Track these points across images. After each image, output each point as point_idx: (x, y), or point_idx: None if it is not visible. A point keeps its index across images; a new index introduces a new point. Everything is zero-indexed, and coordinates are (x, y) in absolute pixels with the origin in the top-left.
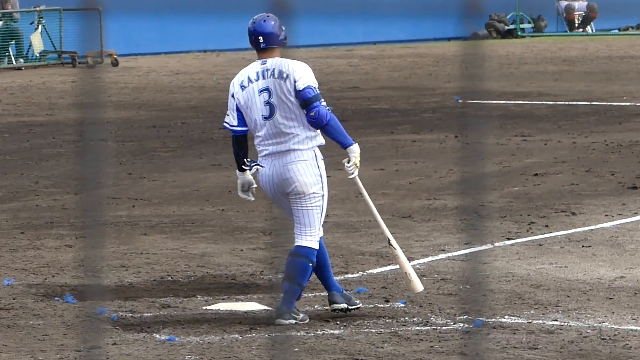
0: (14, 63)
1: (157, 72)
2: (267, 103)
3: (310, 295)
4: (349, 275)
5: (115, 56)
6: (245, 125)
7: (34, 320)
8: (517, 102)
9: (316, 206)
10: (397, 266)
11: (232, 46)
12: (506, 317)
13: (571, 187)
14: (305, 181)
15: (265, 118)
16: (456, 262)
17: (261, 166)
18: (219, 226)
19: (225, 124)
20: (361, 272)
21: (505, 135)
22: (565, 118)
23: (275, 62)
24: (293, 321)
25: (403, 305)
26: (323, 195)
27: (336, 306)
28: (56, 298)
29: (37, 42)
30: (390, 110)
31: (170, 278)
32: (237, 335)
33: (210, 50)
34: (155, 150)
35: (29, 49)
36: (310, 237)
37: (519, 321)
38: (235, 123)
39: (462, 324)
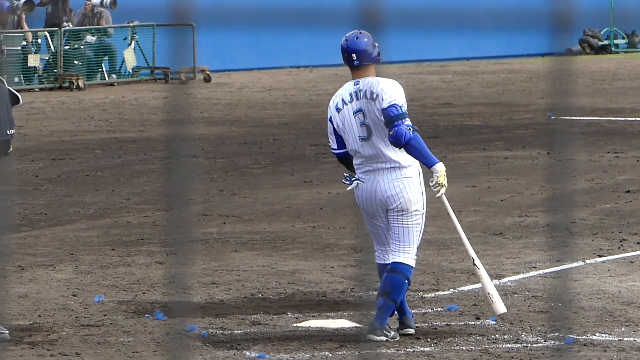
0: (107, 79)
1: (249, 88)
2: (363, 124)
3: None
4: (440, 293)
5: (207, 72)
6: (344, 147)
7: (124, 337)
8: (609, 118)
9: (417, 224)
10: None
11: (325, 62)
12: (597, 334)
13: None
14: (410, 198)
15: (363, 139)
16: (547, 279)
17: (361, 181)
18: (310, 243)
19: (331, 148)
20: (452, 290)
21: (597, 152)
22: None
23: (367, 82)
24: (384, 338)
25: (494, 322)
26: (424, 213)
27: (410, 331)
28: (146, 315)
29: (130, 58)
30: (483, 126)
31: (260, 295)
32: (327, 353)
33: (303, 66)
34: (246, 166)
35: (121, 64)
36: (408, 255)
37: (610, 339)
38: (335, 146)
39: (553, 342)
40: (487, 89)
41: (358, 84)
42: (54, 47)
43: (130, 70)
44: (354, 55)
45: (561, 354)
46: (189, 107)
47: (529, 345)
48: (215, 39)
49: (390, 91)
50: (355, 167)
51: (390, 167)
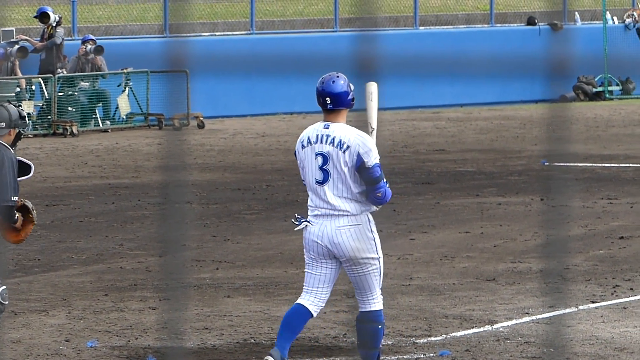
0: (101, 125)
1: (243, 134)
2: (321, 168)
3: (393, 358)
4: (432, 338)
5: (201, 118)
6: None
7: None
8: (603, 164)
9: (373, 270)
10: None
11: (318, 108)
12: None
13: None
14: (357, 246)
15: (317, 182)
16: (540, 325)
17: (310, 224)
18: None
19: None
20: (444, 335)
21: (591, 198)
22: None
23: (337, 128)
24: None
25: None
26: (379, 259)
27: (269, 358)
28: None
29: (123, 104)
30: (476, 172)
31: (253, 340)
32: None
33: (297, 112)
34: (239, 212)
35: (115, 111)
36: (374, 301)
37: None
38: (303, 177)
39: None
40: (480, 135)
41: (328, 128)
42: (47, 93)
43: (124, 117)
44: (328, 98)
45: None
46: (183, 153)
47: None
48: (209, 85)
49: (368, 147)
50: (308, 207)
51: (338, 215)
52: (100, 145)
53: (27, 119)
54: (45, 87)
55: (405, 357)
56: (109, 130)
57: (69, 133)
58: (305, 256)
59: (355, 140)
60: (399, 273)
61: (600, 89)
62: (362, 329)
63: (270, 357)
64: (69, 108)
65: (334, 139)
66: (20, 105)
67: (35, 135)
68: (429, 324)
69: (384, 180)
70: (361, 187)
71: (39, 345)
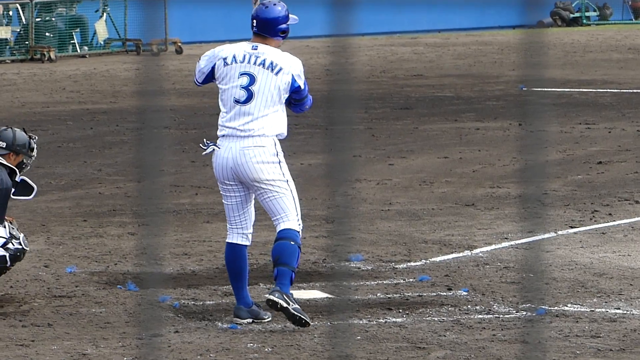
0: (79, 51)
1: None
2: (246, 88)
3: (373, 283)
4: (412, 264)
5: (179, 44)
6: (208, 82)
7: (96, 308)
8: (581, 90)
9: (282, 194)
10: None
11: (295, 34)
12: (569, 305)
13: (635, 176)
14: (260, 167)
15: (238, 102)
16: (519, 250)
17: (217, 147)
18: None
19: (195, 80)
20: (424, 260)
21: (569, 124)
22: (629, 106)
23: (268, 50)
24: (280, 301)
25: (465, 293)
26: (287, 181)
27: (239, 321)
28: (118, 286)
29: (101, 30)
30: (454, 98)
31: None
32: None
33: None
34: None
35: (93, 36)
36: (288, 220)
37: (582, 310)
38: (201, 81)
39: (524, 312)
40: (458, 60)
41: (256, 49)
42: (25, 19)
43: (102, 42)
44: (255, 21)
45: (533, 325)
46: (161, 78)
47: (501, 316)
48: (186, 11)
49: (299, 69)
50: (218, 128)
51: (245, 136)
52: (78, 71)
53: (34, 151)
54: (23, 13)
55: (384, 282)
56: (87, 56)
57: (46, 58)
58: (219, 187)
59: (289, 63)
60: (378, 198)
61: (577, 14)
62: (276, 246)
63: (238, 318)
64: (47, 34)
65: (264, 60)
66: (32, 137)
67: (12, 61)
68: (409, 249)
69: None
70: (280, 107)
71: (17, 271)
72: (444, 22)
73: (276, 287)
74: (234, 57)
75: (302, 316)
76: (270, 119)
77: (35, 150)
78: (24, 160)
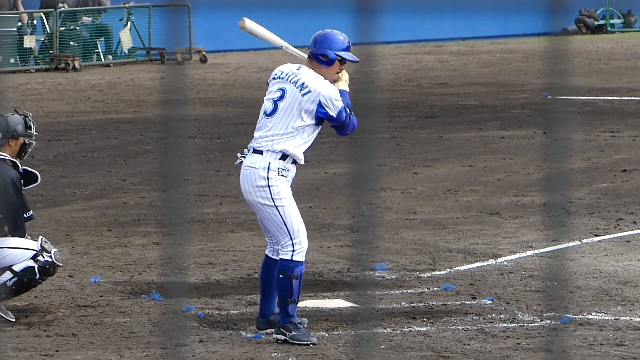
0: (103, 60)
1: (245, 69)
2: (274, 102)
3: (397, 292)
4: (436, 273)
5: (203, 53)
6: None
7: (120, 318)
8: (605, 98)
9: (272, 218)
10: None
11: None
12: (593, 313)
13: None
14: (249, 189)
15: (265, 113)
16: (544, 258)
17: (242, 159)
18: (306, 223)
19: None
20: (448, 269)
21: (593, 132)
22: None
23: (306, 72)
24: (280, 337)
25: (490, 302)
26: (276, 207)
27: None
28: (143, 295)
29: (126, 38)
30: (479, 106)
31: (257, 275)
32: (323, 333)
33: (300, 46)
34: (242, 147)
35: (117, 45)
36: (281, 250)
37: (606, 318)
38: None
39: (549, 321)
40: (483, 68)
41: (299, 69)
42: (49, 28)
43: (127, 51)
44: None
45: (557, 333)
46: (185, 87)
47: (525, 324)
48: (211, 19)
49: (333, 95)
50: None
51: (252, 151)
52: (102, 80)
53: (32, 129)
54: (47, 22)
55: (409, 291)
56: (111, 65)
57: (71, 68)
58: None
59: (320, 88)
60: (403, 207)
61: (602, 22)
62: (273, 277)
63: (260, 332)
64: (71, 43)
65: (297, 79)
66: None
67: (37, 70)
68: (433, 258)
69: (350, 114)
70: (298, 130)
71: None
72: (468, 29)
73: (277, 323)
74: (281, 71)
75: (300, 343)
76: (282, 139)
77: (33, 127)
78: (25, 142)
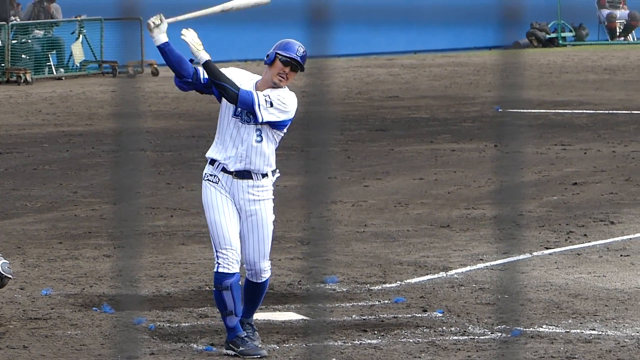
0: (55, 73)
1: None
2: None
3: (348, 304)
4: (387, 285)
5: (155, 66)
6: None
7: (71, 330)
8: (557, 111)
9: None
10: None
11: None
12: (544, 326)
13: (610, 197)
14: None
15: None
16: (494, 271)
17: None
18: None
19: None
20: (399, 282)
21: (544, 145)
22: (605, 127)
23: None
24: (231, 352)
25: (441, 314)
26: (205, 214)
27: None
28: (94, 308)
29: (77, 51)
30: (430, 119)
31: (208, 288)
32: (274, 345)
33: (251, 59)
34: (194, 160)
35: (69, 58)
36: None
37: (557, 330)
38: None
39: (499, 334)
40: (434, 82)
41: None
42: (1, 41)
43: (78, 64)
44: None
45: (508, 346)
46: (137, 100)
47: (476, 337)
48: None
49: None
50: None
51: None
52: (54, 93)
53: None
54: None
55: (360, 303)
56: (63, 78)
57: (22, 81)
58: None
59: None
60: (354, 220)
61: (553, 35)
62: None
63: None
64: (23, 56)
65: None
66: None
67: None
68: (384, 271)
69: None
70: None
71: None
72: (420, 43)
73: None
74: None
75: (250, 357)
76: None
77: None
78: None
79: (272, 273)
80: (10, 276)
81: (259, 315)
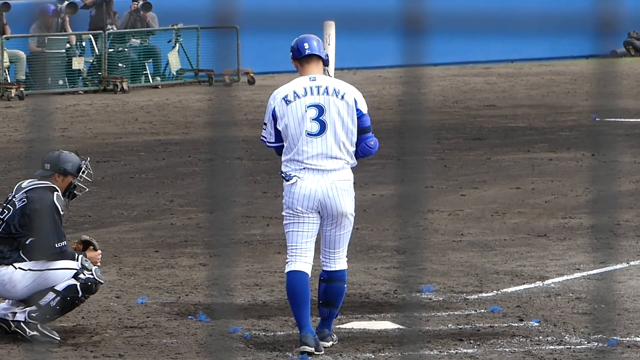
0: (151, 81)
1: None
2: (317, 120)
3: (444, 314)
4: (483, 295)
5: (251, 74)
6: (281, 141)
7: (167, 339)
8: None
9: (350, 228)
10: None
11: (368, 64)
12: None
13: None
14: (349, 202)
15: (312, 135)
16: (591, 281)
17: (300, 178)
18: (353, 245)
19: (262, 137)
20: (495, 291)
21: None
22: None
23: (325, 79)
24: (332, 342)
25: (537, 324)
26: (354, 216)
27: (307, 349)
28: (189, 317)
29: (174, 60)
30: (527, 128)
31: None
32: (370, 354)
33: (347, 68)
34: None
35: (166, 67)
36: (341, 260)
37: None
38: (273, 139)
39: (596, 343)
40: (531, 90)
41: (315, 80)
42: (98, 49)
43: (175, 73)
44: (306, 44)
45: (604, 356)
46: (233, 109)
47: (572, 346)
48: (259, 41)
49: (360, 96)
50: (290, 164)
51: (330, 169)
52: (150, 102)
53: (87, 173)
54: (96, 43)
55: (456, 313)
56: (159, 87)
57: (119, 89)
58: (286, 214)
59: (348, 88)
60: (450, 229)
61: None
62: (330, 288)
63: (306, 346)
64: (119, 64)
65: (327, 87)
66: (78, 157)
67: (85, 92)
68: (480, 280)
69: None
70: (353, 138)
71: (89, 302)
72: (516, 52)
73: (325, 330)
74: (295, 93)
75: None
76: (348, 150)
77: (85, 171)
78: (73, 182)
79: (368, 282)
80: (102, 281)
81: (354, 324)
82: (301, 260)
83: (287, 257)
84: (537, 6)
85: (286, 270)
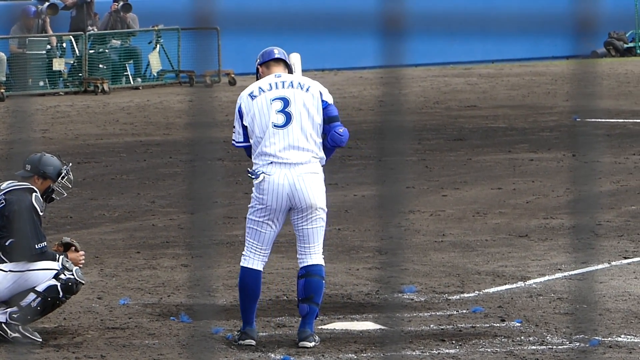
0: (132, 82)
1: None
2: (283, 111)
3: (426, 314)
4: (465, 295)
5: (232, 75)
6: (249, 140)
7: (149, 340)
8: (635, 120)
9: (322, 222)
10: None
11: (349, 65)
12: (622, 336)
13: None
14: (317, 194)
15: (278, 127)
16: (573, 281)
17: (267, 175)
18: (335, 245)
19: (232, 141)
20: (477, 292)
21: (622, 154)
22: None
23: (290, 75)
24: (314, 343)
25: (519, 324)
26: (326, 212)
27: (250, 342)
28: (171, 317)
29: (155, 61)
30: (508, 129)
31: (285, 297)
32: (352, 355)
33: (328, 68)
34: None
35: (146, 68)
36: (317, 255)
37: (635, 340)
38: (242, 139)
39: (578, 343)
40: (512, 91)
41: (280, 76)
42: (78, 51)
43: (156, 74)
44: (275, 50)
45: (586, 356)
46: (214, 110)
47: (554, 347)
48: (240, 42)
49: (323, 88)
50: (258, 159)
51: (301, 162)
52: (131, 103)
53: (67, 178)
54: (76, 45)
55: (438, 313)
56: (140, 88)
57: (100, 90)
58: (252, 213)
59: (313, 82)
60: (432, 229)
61: (631, 44)
62: (308, 282)
63: (251, 340)
64: (100, 65)
65: (292, 82)
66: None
67: (66, 93)
68: (462, 281)
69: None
70: (320, 129)
71: (71, 303)
72: (497, 52)
73: (307, 330)
74: (260, 88)
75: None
76: (315, 142)
77: (65, 177)
78: (51, 186)
79: (350, 282)
80: (83, 281)
81: (336, 325)
82: (258, 259)
83: (245, 250)
84: (518, 6)
85: (241, 264)
